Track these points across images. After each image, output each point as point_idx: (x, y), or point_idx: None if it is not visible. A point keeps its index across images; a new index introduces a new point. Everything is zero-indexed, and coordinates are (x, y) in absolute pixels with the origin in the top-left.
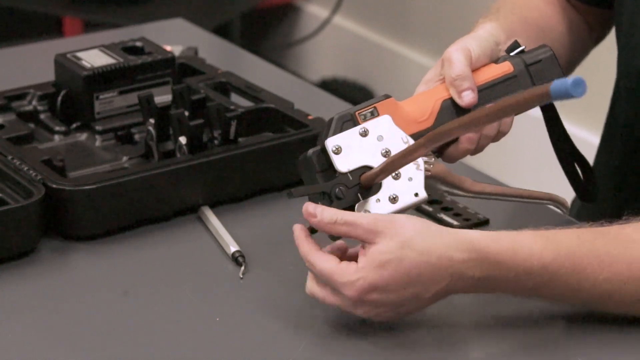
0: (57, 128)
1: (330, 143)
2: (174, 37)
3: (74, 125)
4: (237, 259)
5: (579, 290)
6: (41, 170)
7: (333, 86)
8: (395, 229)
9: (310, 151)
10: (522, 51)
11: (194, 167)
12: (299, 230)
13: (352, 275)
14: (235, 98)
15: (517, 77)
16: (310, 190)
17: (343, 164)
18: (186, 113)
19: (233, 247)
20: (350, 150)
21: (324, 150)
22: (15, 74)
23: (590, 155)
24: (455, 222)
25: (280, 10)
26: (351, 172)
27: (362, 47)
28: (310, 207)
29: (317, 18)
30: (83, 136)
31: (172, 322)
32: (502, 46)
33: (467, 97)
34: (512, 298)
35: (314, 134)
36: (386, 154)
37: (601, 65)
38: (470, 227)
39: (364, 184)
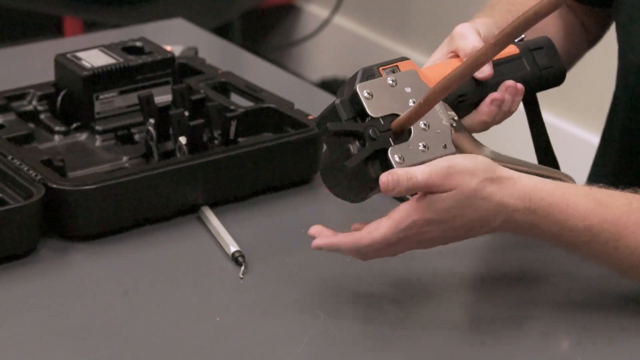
0: (57, 128)
1: (362, 88)
2: (174, 37)
3: (74, 125)
4: (237, 259)
5: (617, 254)
6: (41, 170)
7: (333, 86)
8: (468, 173)
9: (337, 100)
10: (522, 39)
11: (194, 167)
12: (322, 231)
13: (412, 216)
14: (235, 98)
15: (522, 58)
16: (345, 127)
17: (375, 109)
18: (186, 113)
19: (233, 247)
20: (380, 98)
21: (351, 100)
22: (15, 74)
23: (590, 155)
24: None
25: (280, 10)
26: (382, 117)
27: (362, 47)
28: (389, 183)
29: (317, 18)
30: (83, 136)
31: (172, 322)
32: None
33: (485, 70)
34: (513, 297)
35: (314, 134)
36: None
37: (603, 66)
38: None
39: (395, 128)
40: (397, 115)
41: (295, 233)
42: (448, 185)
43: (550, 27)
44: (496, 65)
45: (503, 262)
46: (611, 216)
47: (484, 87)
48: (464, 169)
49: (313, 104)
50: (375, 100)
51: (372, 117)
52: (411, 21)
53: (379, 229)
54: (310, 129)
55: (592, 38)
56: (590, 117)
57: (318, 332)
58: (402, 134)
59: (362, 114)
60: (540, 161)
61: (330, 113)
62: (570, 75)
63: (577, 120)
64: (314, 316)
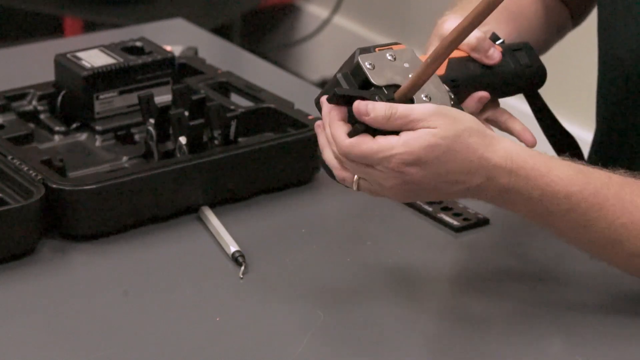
0: (57, 128)
1: (364, 60)
2: (174, 37)
3: (74, 125)
4: (237, 259)
5: (593, 227)
6: (41, 170)
7: None
8: (454, 118)
9: (339, 74)
10: (503, 42)
11: (194, 167)
12: (330, 111)
13: (398, 147)
14: (235, 98)
15: (505, 56)
16: (353, 92)
17: (378, 78)
18: (186, 113)
19: (233, 247)
20: (382, 69)
21: (353, 72)
22: (15, 74)
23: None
24: (455, 222)
25: (280, 10)
26: (385, 87)
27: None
28: (361, 105)
29: (317, 18)
30: (83, 136)
31: (172, 322)
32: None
33: (495, 55)
34: (513, 297)
35: (314, 134)
36: None
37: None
38: (470, 227)
39: (398, 98)
40: (398, 86)
41: (295, 233)
42: (430, 122)
43: (531, 7)
44: None
45: (499, 261)
46: (592, 186)
47: (475, 77)
48: (449, 113)
49: (313, 104)
50: (377, 71)
51: (375, 86)
52: (411, 21)
53: (367, 143)
54: (310, 129)
55: (576, 16)
56: (589, 117)
57: (318, 332)
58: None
59: (364, 86)
60: (556, 149)
61: (332, 88)
62: (570, 73)
63: (578, 120)
64: (314, 316)
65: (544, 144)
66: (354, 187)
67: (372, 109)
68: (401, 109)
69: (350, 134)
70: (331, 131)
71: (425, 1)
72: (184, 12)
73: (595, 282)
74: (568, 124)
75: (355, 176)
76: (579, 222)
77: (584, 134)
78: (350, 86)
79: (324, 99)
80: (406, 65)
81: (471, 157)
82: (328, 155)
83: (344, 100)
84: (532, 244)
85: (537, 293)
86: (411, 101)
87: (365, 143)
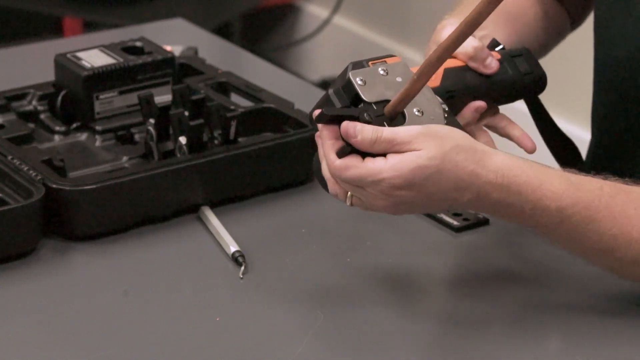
0: (57, 128)
1: (355, 75)
2: (174, 37)
3: (74, 125)
4: (237, 259)
5: (584, 239)
6: (41, 170)
7: None
8: (440, 137)
9: (331, 90)
10: (503, 48)
11: (194, 167)
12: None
13: (386, 172)
14: (235, 98)
15: (504, 63)
16: (341, 111)
17: (369, 94)
18: (186, 113)
19: (233, 247)
20: (373, 85)
21: (344, 88)
22: (15, 74)
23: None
24: (455, 222)
25: (280, 10)
26: (376, 103)
27: (362, 47)
28: (349, 127)
29: (317, 18)
30: (83, 136)
31: (172, 322)
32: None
33: (492, 64)
34: (513, 297)
35: (314, 134)
36: None
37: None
38: (470, 227)
39: (389, 112)
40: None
41: (295, 233)
42: (415, 144)
43: (528, 6)
44: None
45: (498, 261)
46: (584, 199)
47: (472, 87)
48: (436, 132)
49: (313, 104)
50: (368, 86)
51: (366, 102)
52: (411, 21)
53: (356, 167)
54: (310, 129)
55: (575, 18)
56: (588, 117)
57: (318, 332)
58: (396, 119)
59: (355, 101)
60: (553, 151)
61: (324, 104)
62: (568, 72)
63: (578, 119)
64: (314, 316)
65: (543, 147)
66: (347, 203)
67: (360, 131)
68: (386, 132)
69: (339, 154)
70: (323, 150)
71: (426, 1)
72: (184, 12)
73: (595, 282)
74: (567, 123)
75: (349, 192)
76: (571, 234)
77: (584, 134)
78: (342, 102)
79: (316, 113)
80: (398, 79)
81: (460, 174)
82: (325, 168)
83: (333, 120)
84: (532, 244)
85: (537, 293)
86: (403, 116)
87: (354, 166)
